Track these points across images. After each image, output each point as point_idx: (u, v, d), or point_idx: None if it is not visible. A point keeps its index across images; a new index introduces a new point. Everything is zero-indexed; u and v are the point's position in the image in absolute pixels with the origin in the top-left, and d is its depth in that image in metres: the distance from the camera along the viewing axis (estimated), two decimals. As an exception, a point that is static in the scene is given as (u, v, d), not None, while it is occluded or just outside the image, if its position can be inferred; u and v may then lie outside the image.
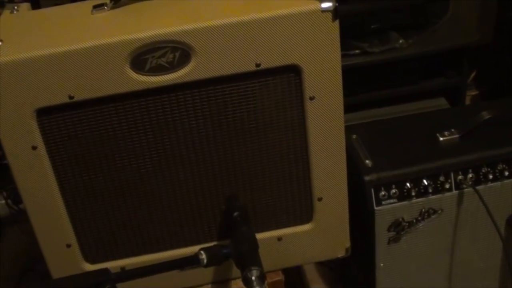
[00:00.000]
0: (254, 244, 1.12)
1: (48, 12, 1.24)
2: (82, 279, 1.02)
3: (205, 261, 1.08)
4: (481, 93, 2.25)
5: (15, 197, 1.87)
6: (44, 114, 1.12)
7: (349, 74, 1.20)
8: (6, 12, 1.25)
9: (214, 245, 1.11)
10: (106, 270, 1.02)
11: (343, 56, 1.15)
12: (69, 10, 1.23)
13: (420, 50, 1.78)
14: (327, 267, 1.76)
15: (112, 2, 1.17)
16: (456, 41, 1.82)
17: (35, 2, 1.75)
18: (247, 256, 1.09)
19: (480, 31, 1.94)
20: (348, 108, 1.22)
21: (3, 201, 1.89)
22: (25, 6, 1.27)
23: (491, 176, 1.38)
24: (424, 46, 1.79)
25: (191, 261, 1.08)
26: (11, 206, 1.88)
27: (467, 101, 2.11)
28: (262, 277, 1.06)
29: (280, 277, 1.35)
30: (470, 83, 2.19)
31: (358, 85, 1.78)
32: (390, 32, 1.78)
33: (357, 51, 1.75)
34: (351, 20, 1.71)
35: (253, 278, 1.05)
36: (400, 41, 1.76)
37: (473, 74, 2.20)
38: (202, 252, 1.08)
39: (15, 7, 1.26)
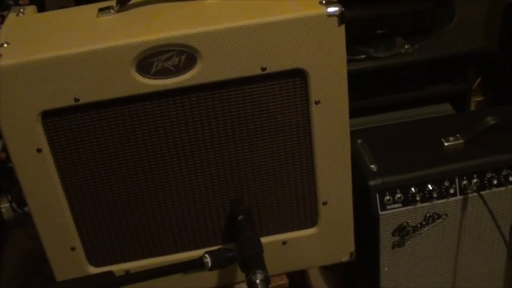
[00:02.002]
0: (259, 247, 1.12)
1: (54, 15, 1.25)
2: (87, 282, 1.03)
3: (209, 264, 1.08)
4: (486, 99, 2.25)
5: (19, 201, 1.88)
6: (49, 116, 1.12)
7: (354, 79, 1.20)
8: (12, 15, 1.25)
9: (219, 249, 1.11)
10: (110, 273, 1.02)
11: (348, 61, 1.15)
12: (75, 13, 1.23)
13: (426, 56, 1.79)
14: (331, 271, 1.76)
15: (118, 5, 1.17)
16: (462, 47, 1.83)
17: (41, 5, 1.76)
18: (252, 260, 1.09)
19: (485, 38, 1.95)
20: (354, 113, 1.22)
21: (8, 205, 1.90)
22: (31, 9, 1.27)
23: (495, 182, 1.38)
24: (430, 52, 1.79)
25: (196, 265, 1.08)
26: (16, 209, 1.89)
27: (472, 107, 2.12)
28: (267, 281, 1.06)
29: (284, 281, 1.35)
30: (475, 89, 2.20)
31: (363, 90, 1.78)
32: (396, 37, 1.78)
33: (362, 56, 1.75)
34: (357, 25, 1.72)
35: (258, 281, 1.05)
36: (406, 47, 1.77)
37: (478, 80, 2.20)
38: (206, 255, 1.08)
39: (21, 10, 1.26)
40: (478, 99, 2.25)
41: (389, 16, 1.77)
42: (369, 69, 1.75)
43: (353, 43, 1.73)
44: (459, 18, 1.91)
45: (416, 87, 1.86)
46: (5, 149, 1.86)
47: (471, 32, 1.88)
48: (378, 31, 1.78)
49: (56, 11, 1.26)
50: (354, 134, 1.42)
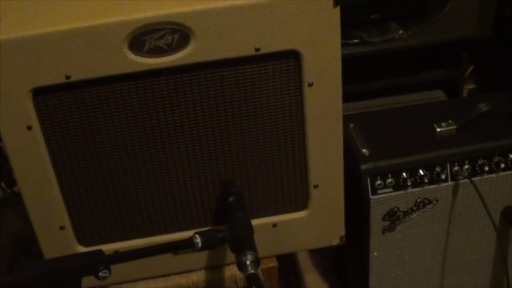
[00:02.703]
0: (250, 229, 1.12)
1: (46, -9, 1.23)
2: (76, 259, 1.02)
3: (199, 244, 1.07)
4: (478, 87, 2.25)
5: (8, 180, 1.87)
6: (40, 93, 1.11)
7: (347, 63, 1.19)
8: (4, -9, 1.24)
9: (209, 229, 1.10)
10: (100, 252, 1.01)
11: (342, 45, 1.14)
12: (67, -10, 1.22)
13: (419, 41, 1.78)
14: (320, 255, 1.76)
15: (112, -18, 1.16)
16: (455, 34, 1.82)
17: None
18: (243, 241, 1.09)
19: (479, 25, 1.94)
20: (346, 97, 1.22)
21: (-3, 184, 1.89)
22: (23, -16, 1.26)
23: (487, 168, 1.38)
24: (423, 38, 1.79)
25: (186, 245, 1.07)
26: (5, 189, 1.88)
27: (464, 95, 2.11)
28: (257, 262, 1.06)
29: (274, 263, 1.35)
30: (468, 77, 2.19)
31: (356, 74, 1.78)
32: (389, 22, 1.78)
33: (356, 40, 1.74)
34: (351, 10, 1.71)
35: (248, 262, 1.05)
36: (400, 32, 1.76)
37: (470, 68, 2.20)
38: (197, 235, 1.08)
39: (13, -14, 1.24)
40: (470, 87, 2.25)
41: (383, 1, 1.76)
42: (362, 53, 1.74)
43: (347, 28, 1.72)
44: (453, 4, 1.90)
45: (409, 73, 1.86)
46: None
47: (465, 19, 1.88)
48: (372, 16, 1.77)
49: (48, -13, 1.24)
50: (346, 119, 1.42)
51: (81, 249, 1.27)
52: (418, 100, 1.83)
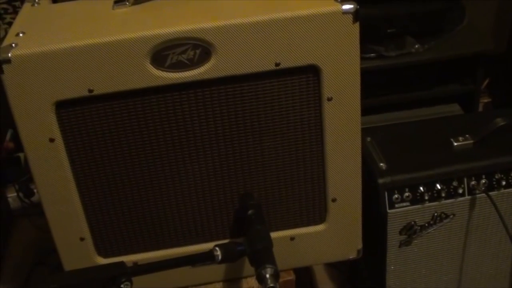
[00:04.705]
0: (269, 242, 1.13)
1: (69, 6, 1.25)
2: (98, 271, 1.03)
3: (219, 257, 1.08)
4: (493, 101, 2.26)
5: (26, 191, 1.89)
6: (63, 107, 1.13)
7: (364, 77, 1.20)
8: (28, 5, 1.26)
9: (229, 242, 1.12)
10: (122, 264, 1.02)
11: (359, 59, 1.16)
12: (90, 5, 1.23)
13: (436, 56, 1.79)
14: (335, 268, 1.76)
15: (134, -2, 1.18)
16: (471, 48, 1.83)
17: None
18: (262, 254, 1.09)
19: (495, 40, 1.95)
20: (363, 111, 1.22)
21: (15, 194, 1.91)
22: (46, -1, 1.28)
23: (504, 183, 1.38)
24: (440, 52, 1.79)
25: (206, 257, 1.08)
26: (23, 199, 1.90)
27: (480, 108, 2.12)
28: (276, 275, 1.06)
29: (291, 276, 1.36)
30: (483, 91, 2.20)
31: (373, 88, 1.78)
32: (406, 36, 1.78)
33: (373, 54, 1.75)
34: (368, 24, 1.71)
35: (268, 275, 1.06)
36: (416, 46, 1.77)
37: (486, 82, 2.20)
38: (217, 248, 1.08)
39: (36, 0, 1.26)
40: (486, 100, 2.25)
41: (400, 15, 1.77)
42: (379, 67, 1.75)
43: (364, 41, 1.73)
44: (469, 19, 1.91)
45: (425, 87, 1.86)
46: (13, 139, 1.88)
47: (481, 33, 1.89)
48: (389, 30, 1.78)
49: (72, 2, 1.26)
50: (363, 132, 1.41)
51: (101, 260, 1.28)
52: (434, 114, 1.83)
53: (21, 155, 1.84)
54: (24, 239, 1.84)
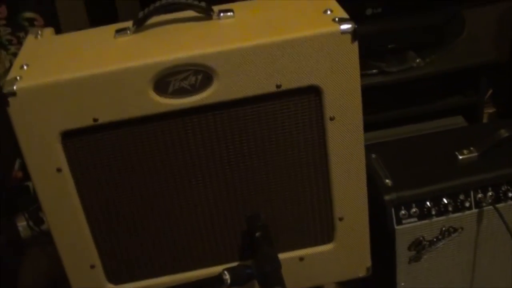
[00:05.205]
0: (277, 263, 1.13)
1: (71, 37, 1.27)
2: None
3: (228, 281, 1.08)
4: (497, 111, 2.26)
5: (36, 219, 1.90)
6: (68, 136, 1.14)
7: (367, 93, 1.21)
8: (31, 37, 1.27)
9: (238, 265, 1.11)
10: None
11: (360, 75, 1.16)
12: (92, 35, 1.25)
13: (437, 69, 1.79)
14: (344, 286, 1.75)
15: (135, 26, 1.19)
16: (473, 60, 1.83)
17: (56, 26, 1.78)
18: (271, 276, 1.10)
19: (496, 50, 1.95)
20: (366, 127, 1.23)
21: (25, 223, 1.92)
22: (49, 30, 1.29)
23: (510, 194, 1.38)
24: (441, 65, 1.80)
25: (215, 282, 1.08)
26: (33, 227, 1.91)
27: (484, 119, 2.12)
28: (286, 297, 1.07)
29: (301, 297, 1.36)
30: (487, 101, 2.20)
31: (376, 104, 1.79)
32: (407, 51, 1.79)
33: (374, 70, 1.76)
34: (369, 40, 1.72)
35: (277, 297, 1.06)
36: (417, 60, 1.78)
37: (489, 92, 2.21)
38: (225, 272, 1.08)
39: (39, 32, 1.28)
40: (490, 110, 2.25)
41: (400, 30, 1.78)
42: (381, 83, 1.76)
43: (365, 58, 1.74)
44: (469, 31, 1.92)
45: (428, 100, 1.87)
46: (21, 168, 1.89)
47: (482, 44, 1.89)
48: (390, 46, 1.79)
49: (74, 32, 1.28)
50: (367, 149, 1.41)
51: (111, 287, 1.29)
52: (438, 127, 1.84)
53: (30, 184, 1.86)
54: (35, 268, 1.85)
